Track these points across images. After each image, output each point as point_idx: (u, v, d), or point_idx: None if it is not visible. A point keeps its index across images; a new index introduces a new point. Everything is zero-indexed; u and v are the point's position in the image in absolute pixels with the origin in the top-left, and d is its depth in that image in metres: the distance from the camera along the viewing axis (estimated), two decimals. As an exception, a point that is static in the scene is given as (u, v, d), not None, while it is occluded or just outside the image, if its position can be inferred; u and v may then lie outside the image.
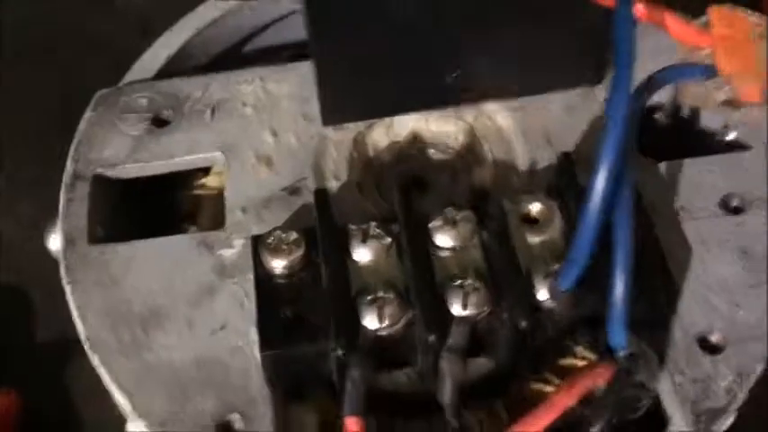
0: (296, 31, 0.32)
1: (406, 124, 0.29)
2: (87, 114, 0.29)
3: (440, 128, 0.29)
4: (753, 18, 0.21)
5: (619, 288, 0.20)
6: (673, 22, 0.21)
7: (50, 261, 0.44)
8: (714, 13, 0.21)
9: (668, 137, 0.31)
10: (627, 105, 0.18)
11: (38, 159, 0.50)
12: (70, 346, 0.45)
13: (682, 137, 0.30)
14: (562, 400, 0.19)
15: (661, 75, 0.21)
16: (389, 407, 0.25)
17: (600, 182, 0.18)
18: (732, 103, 0.22)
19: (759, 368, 0.24)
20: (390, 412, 0.26)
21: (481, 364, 0.25)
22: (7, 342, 0.46)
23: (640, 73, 0.22)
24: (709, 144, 0.29)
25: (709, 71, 0.21)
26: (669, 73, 0.21)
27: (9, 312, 0.47)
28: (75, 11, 0.57)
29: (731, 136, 0.28)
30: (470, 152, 0.29)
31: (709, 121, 0.29)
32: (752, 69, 0.20)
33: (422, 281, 0.23)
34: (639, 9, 0.21)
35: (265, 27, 0.34)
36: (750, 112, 0.22)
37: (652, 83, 0.21)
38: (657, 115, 0.31)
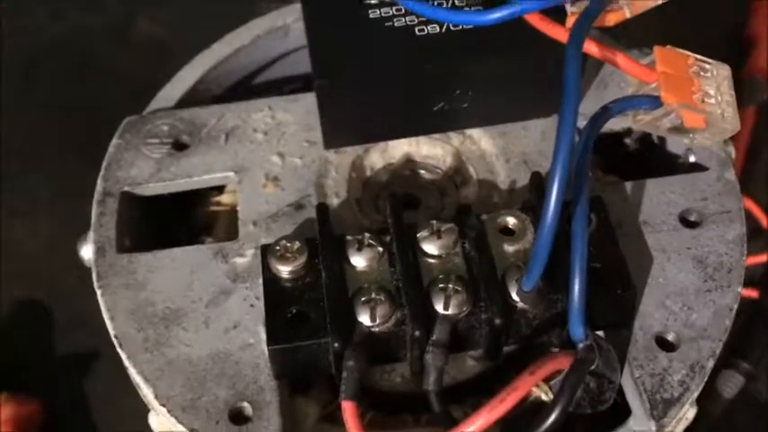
0: (302, 65, 0.36)
1: (399, 148, 0.32)
2: (115, 140, 0.32)
3: (430, 151, 0.32)
4: (690, 57, 0.24)
5: (575, 289, 0.22)
6: (623, 60, 0.24)
7: (69, 277, 0.46)
8: (658, 52, 0.24)
9: (638, 159, 0.34)
10: (573, 131, 0.21)
11: (57, 181, 0.53)
12: (87, 358, 0.47)
13: (650, 159, 0.33)
14: (524, 384, 0.22)
15: (614, 105, 0.24)
16: (386, 405, 0.28)
17: (551, 199, 0.21)
18: (679, 130, 0.25)
19: (709, 364, 0.26)
20: (387, 410, 0.29)
21: (468, 366, 0.28)
22: (29, 354, 0.49)
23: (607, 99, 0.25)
24: (673, 165, 0.32)
25: (656, 102, 0.24)
26: (621, 104, 0.24)
27: (30, 326, 0.50)
28: (93, 43, 0.60)
29: (692, 158, 0.32)
30: (457, 173, 0.32)
31: (673, 145, 0.33)
32: (690, 101, 0.23)
33: (410, 284, 0.25)
34: (592, 49, 0.24)
35: (274, 61, 0.37)
36: (697, 136, 0.25)
37: (606, 112, 0.24)
38: (627, 140, 0.34)
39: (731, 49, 0.58)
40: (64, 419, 0.46)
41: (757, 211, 0.51)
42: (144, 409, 0.31)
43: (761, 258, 0.49)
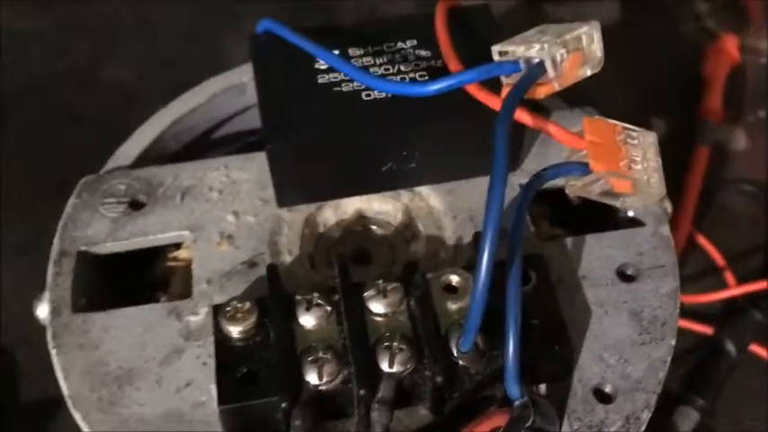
0: (259, 120, 0.37)
1: (351, 204, 0.33)
2: (72, 200, 0.32)
3: (381, 207, 0.33)
4: (617, 126, 0.26)
5: (509, 348, 0.24)
6: (554, 129, 0.25)
7: (33, 323, 0.46)
8: (586, 122, 0.25)
9: (582, 212, 0.35)
10: (500, 200, 0.22)
11: (23, 226, 0.53)
12: (51, 405, 0.47)
13: (593, 213, 0.35)
14: (461, 443, 0.23)
15: (546, 172, 0.25)
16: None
17: (483, 261, 0.22)
18: (610, 194, 0.26)
19: (644, 415, 0.27)
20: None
21: (417, 417, 0.29)
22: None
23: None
24: (615, 220, 0.34)
25: (586, 169, 0.25)
26: (553, 171, 0.25)
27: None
28: (61, 88, 0.60)
29: (631, 214, 0.33)
30: (407, 228, 0.33)
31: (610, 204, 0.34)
32: (617, 168, 0.25)
33: (356, 342, 0.26)
34: (525, 118, 0.26)
35: (231, 117, 0.38)
36: (627, 200, 0.26)
37: (540, 178, 0.25)
38: (570, 196, 0.35)
39: (687, 91, 0.60)
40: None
41: (712, 250, 0.52)
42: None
43: (715, 296, 0.51)
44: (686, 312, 0.49)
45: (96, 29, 0.63)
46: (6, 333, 0.49)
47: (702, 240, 0.52)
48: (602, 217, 0.34)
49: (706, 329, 0.49)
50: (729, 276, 0.51)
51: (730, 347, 0.48)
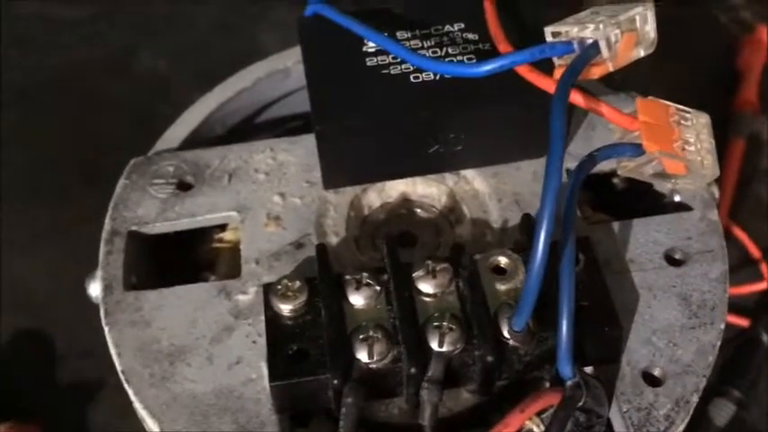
0: (303, 104, 0.37)
1: (396, 187, 0.33)
2: (122, 181, 0.33)
3: (425, 191, 0.33)
4: (670, 107, 0.26)
5: (563, 329, 0.24)
6: (607, 110, 0.25)
7: (69, 308, 0.47)
8: (639, 103, 0.25)
9: (626, 198, 0.35)
10: (558, 180, 0.22)
11: (61, 212, 0.54)
12: (89, 387, 0.48)
13: (638, 198, 0.35)
14: (515, 420, 0.23)
15: (599, 152, 0.25)
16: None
17: (539, 247, 0.22)
18: (662, 176, 0.26)
19: (693, 398, 0.27)
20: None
21: (464, 398, 0.29)
22: (31, 382, 0.49)
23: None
24: (660, 205, 0.34)
25: (639, 150, 0.25)
26: (605, 151, 0.25)
27: (32, 355, 0.50)
28: (95, 75, 0.61)
29: (678, 198, 0.33)
30: (452, 212, 0.33)
31: (660, 186, 0.34)
32: (671, 149, 0.25)
33: (406, 322, 0.26)
34: (578, 99, 0.26)
35: (275, 101, 0.38)
36: (680, 182, 0.26)
37: (591, 159, 0.25)
38: (615, 180, 0.35)
39: (720, 83, 0.60)
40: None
41: (748, 242, 0.52)
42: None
43: (752, 288, 0.51)
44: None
45: (131, 18, 0.64)
46: (44, 317, 0.50)
47: (738, 232, 0.52)
48: (646, 203, 0.34)
49: (742, 321, 0.49)
50: (765, 268, 0.50)
51: (766, 339, 0.48)
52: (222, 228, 0.34)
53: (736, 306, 0.49)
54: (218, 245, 0.34)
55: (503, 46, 0.29)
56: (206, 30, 0.63)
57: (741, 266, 0.52)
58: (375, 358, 0.26)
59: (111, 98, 0.59)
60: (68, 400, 0.48)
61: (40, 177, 0.55)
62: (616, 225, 0.31)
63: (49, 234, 0.53)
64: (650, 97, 0.25)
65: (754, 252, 0.52)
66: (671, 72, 0.59)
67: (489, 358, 0.26)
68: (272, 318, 0.27)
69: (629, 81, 0.37)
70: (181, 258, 0.34)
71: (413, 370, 0.26)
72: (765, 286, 0.50)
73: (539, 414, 0.26)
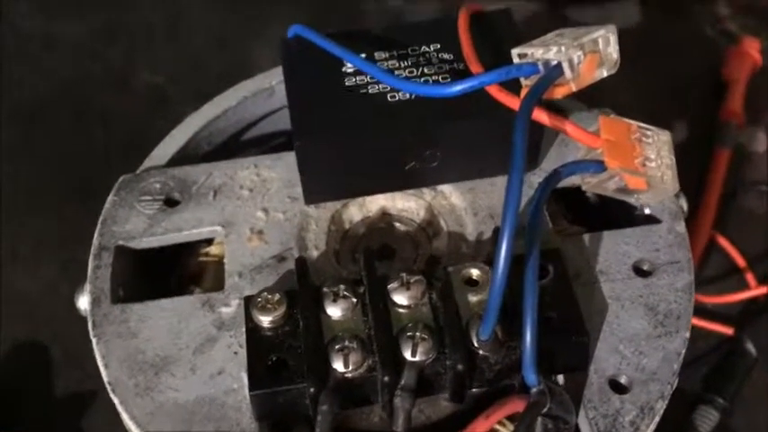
0: (287, 122, 0.38)
1: (376, 202, 0.34)
2: (111, 197, 0.34)
3: (404, 205, 0.34)
4: (632, 125, 0.27)
5: (527, 338, 0.25)
6: (571, 128, 0.26)
7: (67, 320, 0.48)
8: (602, 121, 0.26)
9: (599, 211, 0.36)
10: (519, 192, 0.23)
11: (60, 225, 0.55)
12: (84, 397, 0.49)
13: (610, 211, 0.36)
14: (480, 426, 0.24)
15: (564, 169, 0.26)
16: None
17: (501, 252, 0.23)
18: (624, 191, 0.27)
19: (658, 405, 0.28)
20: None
21: (439, 408, 0.30)
22: (28, 392, 0.50)
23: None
24: (631, 216, 0.35)
25: (601, 166, 0.26)
26: (570, 167, 0.26)
27: (30, 365, 0.51)
28: (94, 92, 0.62)
29: (647, 211, 0.34)
30: (429, 225, 0.34)
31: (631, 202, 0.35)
32: (632, 165, 0.26)
33: (380, 332, 0.27)
34: (543, 118, 0.27)
35: (260, 119, 0.39)
36: (642, 197, 0.27)
37: (557, 175, 0.26)
38: (589, 194, 0.36)
39: (706, 94, 0.61)
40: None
41: (732, 251, 0.53)
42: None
43: (736, 296, 0.51)
44: (707, 313, 0.50)
45: (129, 35, 0.65)
46: (42, 329, 0.51)
47: (723, 242, 0.53)
48: (620, 215, 0.35)
49: (726, 330, 0.50)
50: (750, 277, 0.51)
51: (750, 348, 0.49)
52: (209, 242, 0.35)
53: (720, 315, 0.50)
54: (204, 258, 0.35)
55: (474, 67, 0.30)
56: (203, 46, 0.65)
57: (726, 276, 0.53)
58: (351, 368, 0.27)
59: (109, 114, 0.60)
60: (63, 409, 0.49)
61: (40, 192, 0.56)
62: (587, 237, 0.32)
63: (48, 247, 0.54)
64: (613, 115, 0.27)
65: (739, 261, 0.53)
66: (657, 84, 0.60)
67: (460, 367, 0.27)
68: (253, 329, 0.28)
69: (613, 95, 0.38)
70: (168, 271, 0.35)
71: (386, 378, 0.27)
72: (749, 295, 0.51)
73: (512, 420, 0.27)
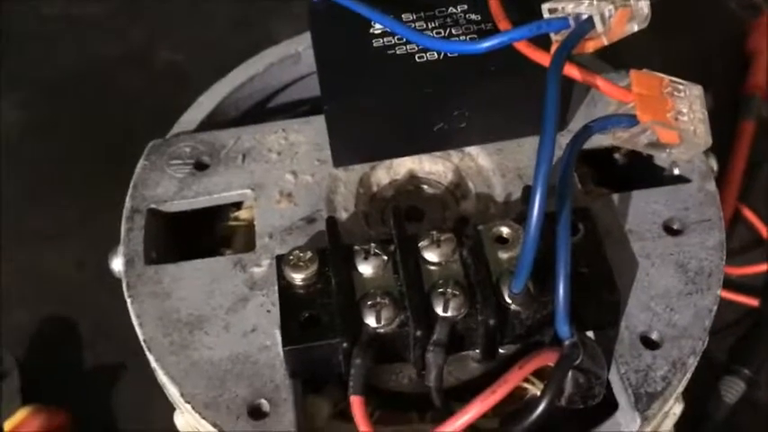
0: (312, 88, 0.38)
1: (403, 165, 0.34)
2: (141, 162, 0.34)
3: (432, 168, 0.35)
4: (664, 79, 0.27)
5: (560, 290, 0.25)
6: (602, 83, 0.26)
7: (94, 294, 0.48)
8: (633, 75, 0.26)
9: (627, 172, 0.36)
10: (551, 150, 0.23)
11: (86, 201, 0.56)
12: (113, 370, 0.50)
13: (638, 172, 0.36)
14: (513, 377, 0.24)
15: (594, 124, 0.26)
16: (394, 405, 0.31)
17: (534, 211, 0.23)
18: (656, 146, 0.27)
19: (689, 361, 0.28)
20: (395, 409, 0.31)
21: (472, 368, 0.30)
22: (58, 367, 0.51)
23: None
24: (659, 178, 0.35)
25: (633, 120, 0.26)
26: (601, 122, 0.26)
27: (58, 340, 0.52)
28: (117, 70, 0.63)
29: (677, 171, 0.34)
30: (457, 187, 0.34)
31: (659, 159, 0.35)
32: (664, 118, 0.26)
33: (412, 289, 0.27)
34: (574, 73, 0.27)
35: (287, 86, 0.39)
36: (674, 152, 0.27)
37: (587, 130, 0.26)
38: (617, 155, 0.36)
39: (731, 67, 0.60)
40: (91, 429, 0.49)
41: (757, 222, 0.53)
42: (169, 412, 0.33)
43: (761, 268, 0.51)
44: (732, 284, 0.49)
45: (150, 14, 0.66)
46: (71, 305, 0.51)
47: (748, 213, 0.53)
48: (648, 176, 0.35)
49: (751, 301, 0.49)
50: (775, 249, 0.51)
51: (776, 318, 0.49)
52: (238, 206, 0.35)
53: (746, 286, 0.50)
54: (233, 222, 0.35)
55: (503, 24, 0.30)
56: (224, 24, 0.65)
57: (750, 247, 0.52)
58: (383, 323, 0.27)
59: (131, 91, 0.61)
60: (94, 382, 0.49)
61: (65, 169, 0.57)
62: (616, 197, 0.32)
63: (75, 224, 0.54)
64: (644, 69, 0.26)
65: (764, 232, 0.52)
66: (681, 56, 0.60)
67: (491, 321, 0.27)
68: (285, 287, 0.28)
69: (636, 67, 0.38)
70: (199, 235, 0.35)
71: (419, 333, 0.27)
72: (774, 266, 0.51)
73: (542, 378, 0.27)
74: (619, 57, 0.36)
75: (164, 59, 0.64)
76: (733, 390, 0.47)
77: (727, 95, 0.58)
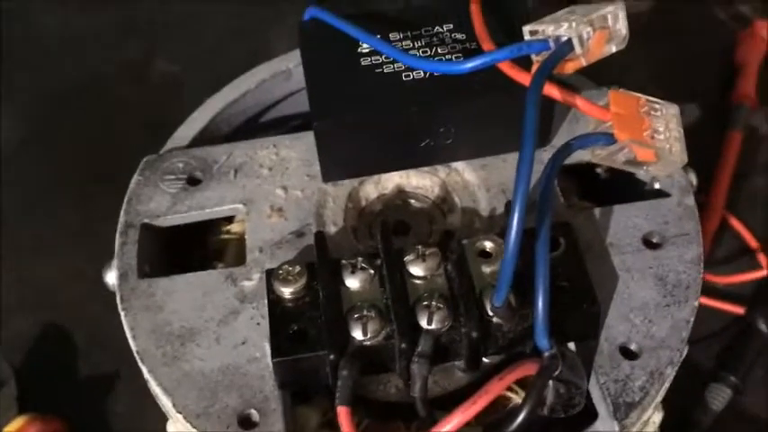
0: (304, 104, 0.39)
1: (391, 180, 0.35)
2: (135, 177, 0.35)
3: (419, 182, 0.35)
4: (641, 99, 0.27)
5: (538, 303, 0.26)
6: (581, 102, 0.27)
7: (89, 305, 0.49)
8: (611, 95, 0.27)
9: (609, 186, 0.37)
10: (530, 169, 0.24)
11: (79, 213, 0.56)
12: (107, 379, 0.50)
13: (620, 186, 0.36)
14: (494, 388, 0.25)
15: (574, 142, 0.27)
16: (382, 415, 0.31)
17: (513, 227, 0.24)
18: (633, 163, 0.28)
19: (668, 371, 0.29)
20: (382, 418, 0.32)
21: (458, 377, 0.31)
22: (53, 376, 0.51)
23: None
24: (640, 192, 0.35)
25: (611, 138, 0.27)
26: (580, 140, 0.27)
27: (55, 349, 0.52)
28: (113, 82, 0.64)
29: (657, 186, 0.35)
30: (444, 201, 0.35)
31: (640, 174, 0.36)
32: (641, 137, 0.27)
33: (397, 302, 0.28)
34: (554, 92, 0.28)
35: (278, 102, 0.40)
36: (650, 169, 0.28)
37: (567, 147, 0.27)
38: (599, 170, 0.37)
39: (719, 77, 0.61)
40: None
41: (744, 231, 0.53)
42: (162, 421, 0.34)
43: (747, 276, 0.52)
44: (718, 292, 0.50)
45: (146, 25, 0.66)
46: (67, 315, 0.52)
47: (735, 223, 0.53)
48: (630, 191, 0.36)
49: (738, 309, 0.50)
50: (762, 258, 0.52)
51: (762, 326, 0.49)
52: (230, 220, 0.36)
53: (732, 294, 0.51)
54: (225, 236, 0.36)
55: (486, 45, 0.31)
56: (220, 35, 0.66)
57: (738, 256, 0.53)
58: (369, 335, 0.28)
59: (129, 103, 0.61)
60: (89, 391, 0.50)
61: (63, 181, 0.58)
62: (598, 211, 0.33)
63: (72, 235, 0.55)
64: (621, 89, 0.27)
65: (751, 242, 0.53)
66: (670, 66, 0.61)
67: (474, 334, 0.28)
68: (275, 300, 0.29)
69: (624, 78, 0.38)
70: (191, 249, 0.36)
71: (403, 345, 0.27)
72: (761, 275, 0.51)
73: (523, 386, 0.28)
74: (607, 68, 0.36)
75: (160, 71, 0.64)
76: (719, 397, 0.48)
77: (715, 105, 0.59)
